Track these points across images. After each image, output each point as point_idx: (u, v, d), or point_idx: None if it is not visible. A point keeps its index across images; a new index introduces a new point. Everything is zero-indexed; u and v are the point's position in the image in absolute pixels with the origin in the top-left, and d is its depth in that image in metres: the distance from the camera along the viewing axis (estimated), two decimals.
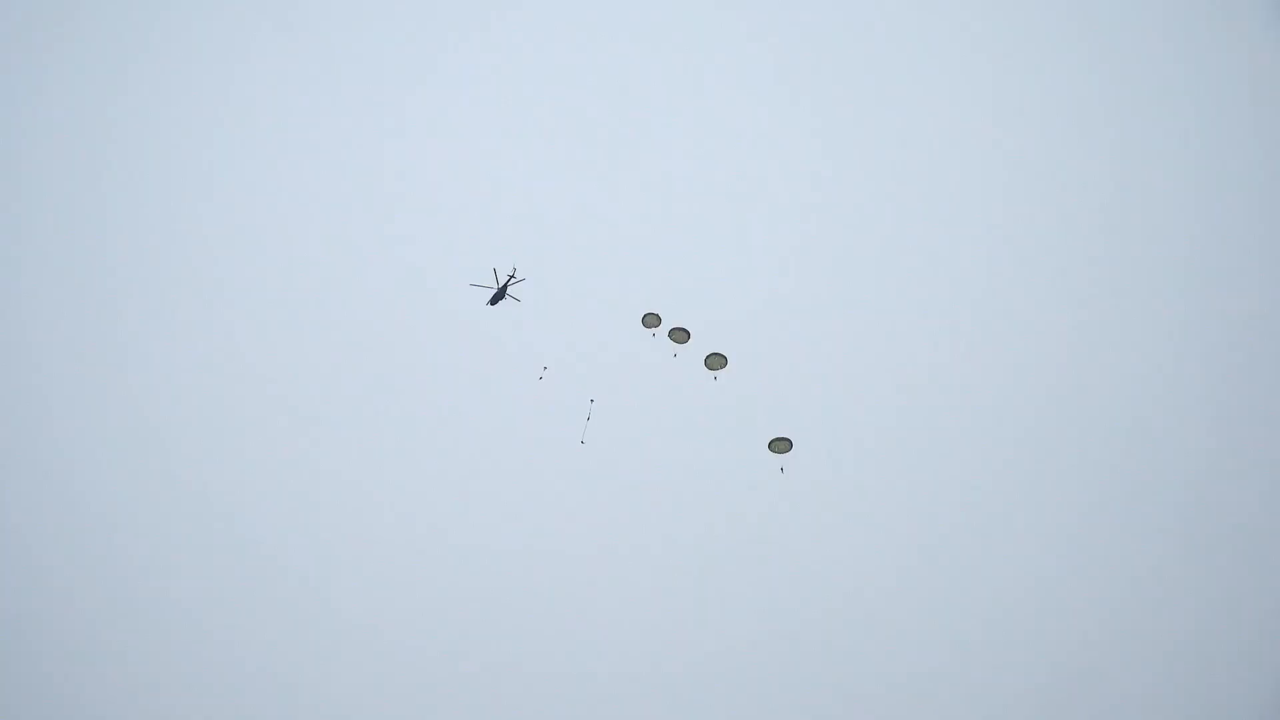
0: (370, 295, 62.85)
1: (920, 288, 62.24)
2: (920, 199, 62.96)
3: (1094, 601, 59.11)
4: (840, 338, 62.14)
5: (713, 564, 61.57)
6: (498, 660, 61.29)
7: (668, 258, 63.19)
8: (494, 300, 56.38)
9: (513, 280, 56.23)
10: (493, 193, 63.76)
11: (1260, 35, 58.17)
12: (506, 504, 62.73)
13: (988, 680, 59.08)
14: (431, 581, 62.17)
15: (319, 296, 62.56)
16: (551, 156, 64.47)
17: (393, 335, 63.07)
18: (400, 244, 63.24)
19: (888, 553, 60.79)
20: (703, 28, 64.65)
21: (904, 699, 59.44)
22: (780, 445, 52.42)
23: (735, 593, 61.55)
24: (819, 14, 63.47)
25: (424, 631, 61.49)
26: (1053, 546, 59.45)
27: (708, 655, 60.65)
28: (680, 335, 54.98)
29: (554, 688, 60.91)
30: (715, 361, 54.37)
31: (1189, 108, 60.31)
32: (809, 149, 63.86)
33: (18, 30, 61.67)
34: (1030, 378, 61.18)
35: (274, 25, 63.05)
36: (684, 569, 61.60)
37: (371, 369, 62.60)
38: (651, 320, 55.38)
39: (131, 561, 61.08)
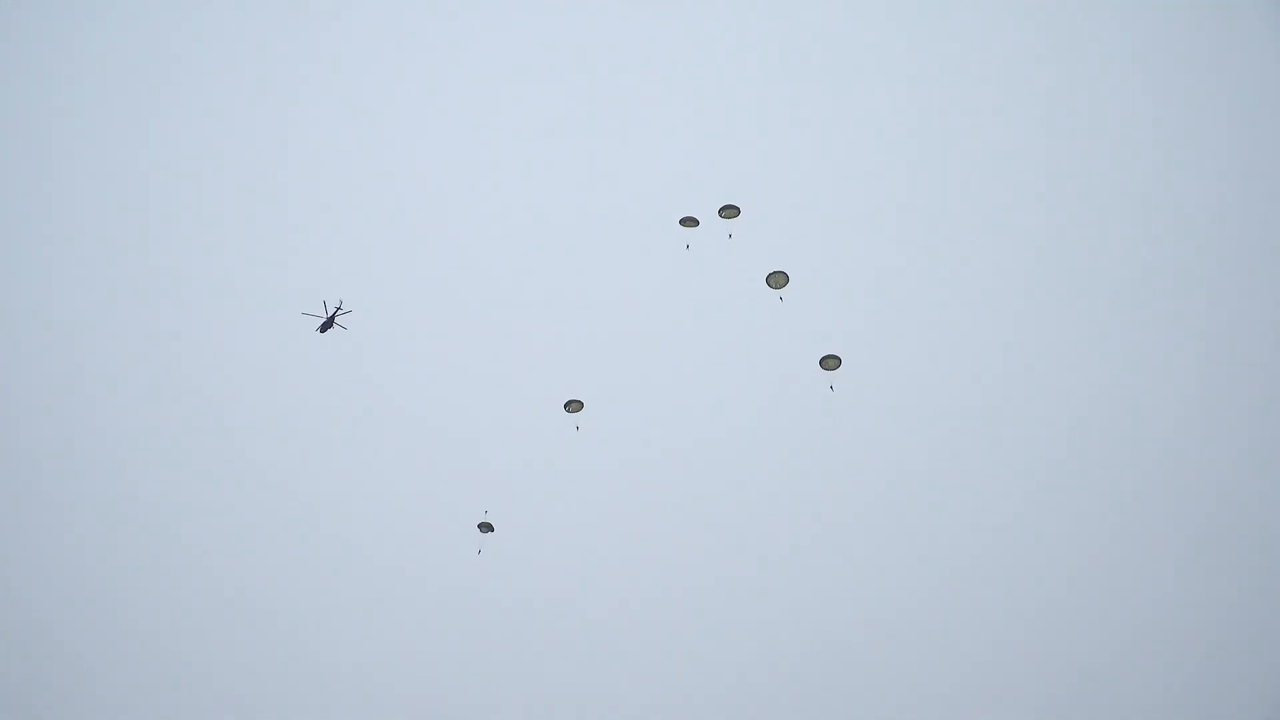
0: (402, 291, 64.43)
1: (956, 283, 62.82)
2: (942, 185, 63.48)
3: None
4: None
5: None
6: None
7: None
8: (323, 329, 58.94)
9: (340, 311, 58.87)
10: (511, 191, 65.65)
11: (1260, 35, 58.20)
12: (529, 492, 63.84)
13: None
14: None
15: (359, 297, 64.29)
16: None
17: (414, 329, 64.58)
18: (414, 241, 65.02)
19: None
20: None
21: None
22: (830, 362, 52.90)
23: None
24: None
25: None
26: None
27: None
28: (731, 212, 53.32)
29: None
30: (777, 280, 53.36)
31: (1194, 109, 60.37)
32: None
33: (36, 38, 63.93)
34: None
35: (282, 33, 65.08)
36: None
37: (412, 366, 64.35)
38: (689, 222, 53.92)
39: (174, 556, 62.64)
